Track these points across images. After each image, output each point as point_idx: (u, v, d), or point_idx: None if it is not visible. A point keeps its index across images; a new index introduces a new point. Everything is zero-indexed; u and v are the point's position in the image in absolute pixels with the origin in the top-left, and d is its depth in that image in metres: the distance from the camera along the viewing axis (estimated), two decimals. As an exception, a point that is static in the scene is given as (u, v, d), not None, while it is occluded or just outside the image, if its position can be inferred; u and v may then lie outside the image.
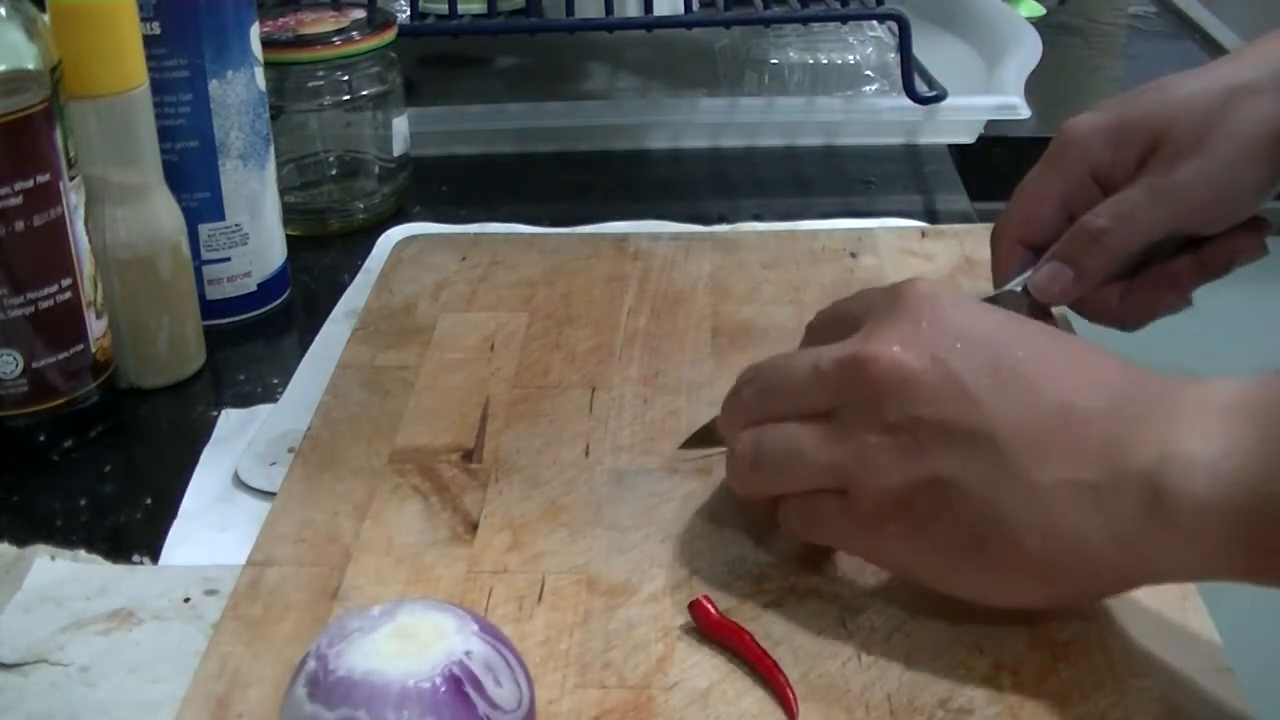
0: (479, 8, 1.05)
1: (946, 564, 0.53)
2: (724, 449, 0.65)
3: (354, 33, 0.91)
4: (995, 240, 0.71)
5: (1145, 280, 0.68)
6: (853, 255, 0.84)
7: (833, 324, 0.58)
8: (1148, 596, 0.56)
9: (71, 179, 0.68)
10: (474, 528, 0.62)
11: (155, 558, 0.63)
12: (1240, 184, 0.65)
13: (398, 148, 0.96)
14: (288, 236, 0.86)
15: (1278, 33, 0.68)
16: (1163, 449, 0.48)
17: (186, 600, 0.59)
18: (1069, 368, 0.52)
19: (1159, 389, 0.50)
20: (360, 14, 0.94)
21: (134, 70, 0.72)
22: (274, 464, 0.68)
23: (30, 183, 0.66)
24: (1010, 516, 0.50)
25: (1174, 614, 0.55)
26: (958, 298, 0.55)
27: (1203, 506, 0.47)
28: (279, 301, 0.85)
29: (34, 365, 0.68)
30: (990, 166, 1.03)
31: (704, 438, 0.66)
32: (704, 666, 0.54)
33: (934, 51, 1.12)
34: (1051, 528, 0.49)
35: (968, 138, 1.05)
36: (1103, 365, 0.52)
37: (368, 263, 0.88)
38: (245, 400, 0.75)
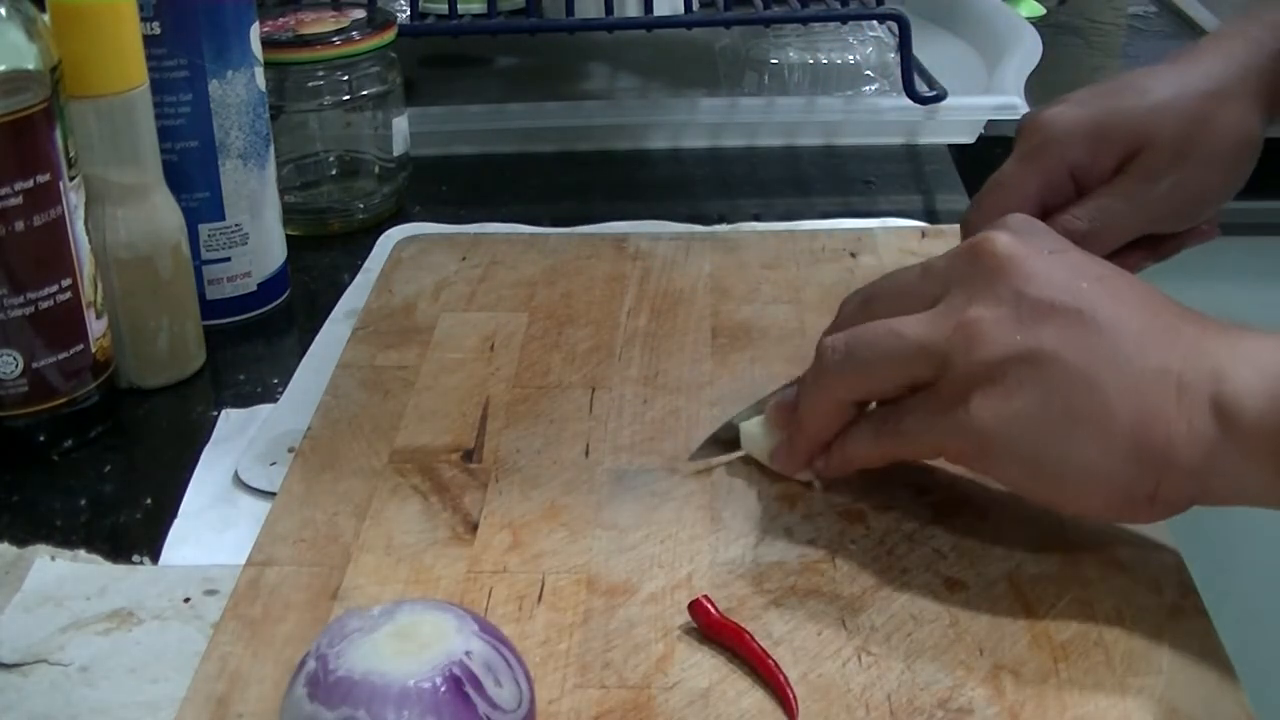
0: (479, 8, 1.05)
1: (1031, 440, 0.54)
2: (736, 454, 0.65)
3: (354, 33, 0.91)
4: (966, 231, 0.71)
5: None
6: (853, 255, 0.84)
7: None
8: (1148, 596, 0.56)
9: (71, 179, 0.68)
10: (474, 528, 0.62)
11: (155, 558, 0.63)
12: (1214, 192, 0.69)
13: (398, 148, 0.96)
14: (288, 236, 0.86)
15: (1233, 25, 0.71)
16: (1232, 356, 0.53)
17: (186, 600, 0.59)
18: (1158, 293, 0.57)
19: (1228, 323, 0.55)
20: (360, 14, 0.94)
21: (134, 70, 0.72)
22: (274, 464, 0.68)
23: (30, 183, 0.66)
24: (1107, 389, 0.53)
25: (1174, 613, 0.55)
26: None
27: (1258, 411, 0.51)
28: (279, 301, 0.85)
29: (34, 365, 0.68)
30: (990, 166, 1.01)
31: (713, 445, 0.66)
32: (704, 666, 0.54)
33: (934, 51, 1.12)
34: (1143, 407, 0.53)
35: (968, 138, 1.05)
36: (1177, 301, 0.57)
37: (368, 263, 0.88)
38: (245, 400, 0.75)
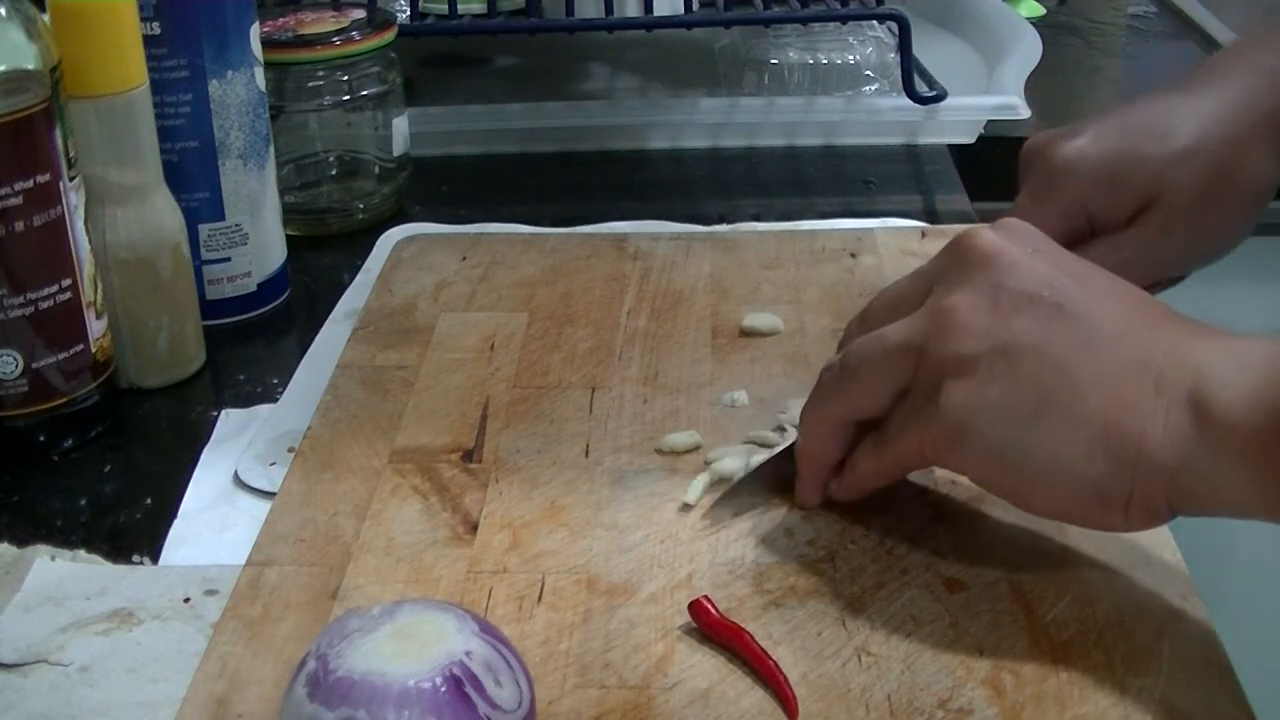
0: (479, 8, 1.05)
1: (1002, 431, 0.53)
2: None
3: (354, 33, 0.91)
4: None
5: None
6: (853, 255, 0.84)
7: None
8: (1148, 596, 0.56)
9: (71, 179, 0.68)
10: (474, 528, 0.62)
11: (155, 558, 0.63)
12: (1227, 240, 0.69)
13: (398, 148, 0.96)
14: (288, 236, 0.86)
15: (1246, 46, 0.70)
16: (1213, 354, 0.52)
17: (186, 600, 0.59)
18: (1141, 293, 0.56)
19: (1212, 326, 0.54)
20: (360, 14, 0.94)
21: (134, 70, 0.72)
22: (274, 464, 0.68)
23: (30, 183, 0.66)
24: (1081, 378, 0.52)
25: (1174, 614, 0.55)
26: None
27: (1235, 408, 0.50)
28: (279, 301, 0.85)
29: (34, 365, 0.68)
30: (990, 166, 1.03)
31: (734, 496, 0.63)
32: (704, 666, 0.54)
33: (934, 51, 1.12)
34: (1118, 397, 0.52)
35: (968, 138, 1.05)
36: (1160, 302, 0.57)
37: (368, 263, 0.88)
38: (245, 400, 0.75)
